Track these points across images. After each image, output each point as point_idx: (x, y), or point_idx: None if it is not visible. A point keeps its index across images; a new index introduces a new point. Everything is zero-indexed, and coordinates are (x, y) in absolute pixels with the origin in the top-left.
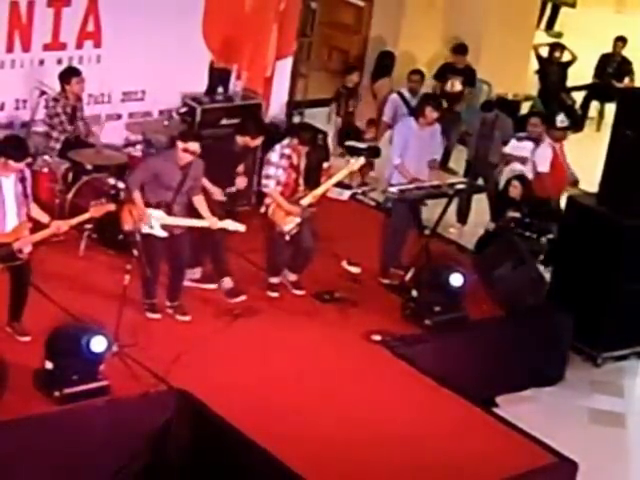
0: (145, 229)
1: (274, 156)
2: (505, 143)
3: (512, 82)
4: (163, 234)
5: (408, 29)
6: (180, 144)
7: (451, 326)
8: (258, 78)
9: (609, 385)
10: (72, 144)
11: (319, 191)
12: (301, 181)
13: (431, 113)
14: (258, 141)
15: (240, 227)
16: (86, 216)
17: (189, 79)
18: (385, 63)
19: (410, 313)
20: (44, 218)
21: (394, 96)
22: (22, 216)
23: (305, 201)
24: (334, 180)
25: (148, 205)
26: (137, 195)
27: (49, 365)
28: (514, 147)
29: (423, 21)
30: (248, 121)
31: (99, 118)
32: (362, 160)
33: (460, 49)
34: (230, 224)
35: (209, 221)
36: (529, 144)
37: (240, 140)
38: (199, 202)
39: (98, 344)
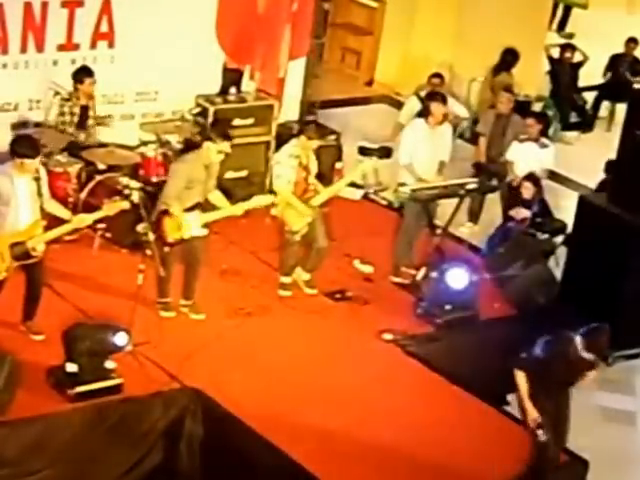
0: (186, 234)
1: (283, 156)
2: None
3: (524, 83)
4: (204, 232)
5: (421, 30)
6: (213, 146)
7: (462, 325)
8: (271, 79)
9: (620, 383)
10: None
11: (329, 191)
12: (312, 180)
13: (437, 109)
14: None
15: (269, 199)
16: (100, 213)
17: (202, 79)
18: (507, 59)
19: (421, 312)
20: (65, 215)
21: (413, 98)
22: (36, 214)
23: (315, 201)
24: (346, 181)
25: (184, 210)
26: (177, 208)
27: (72, 368)
28: (515, 150)
29: (436, 22)
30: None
31: (111, 118)
32: (374, 161)
33: None
34: (258, 200)
35: (233, 209)
36: (532, 145)
37: None
38: (217, 198)
39: (121, 339)
